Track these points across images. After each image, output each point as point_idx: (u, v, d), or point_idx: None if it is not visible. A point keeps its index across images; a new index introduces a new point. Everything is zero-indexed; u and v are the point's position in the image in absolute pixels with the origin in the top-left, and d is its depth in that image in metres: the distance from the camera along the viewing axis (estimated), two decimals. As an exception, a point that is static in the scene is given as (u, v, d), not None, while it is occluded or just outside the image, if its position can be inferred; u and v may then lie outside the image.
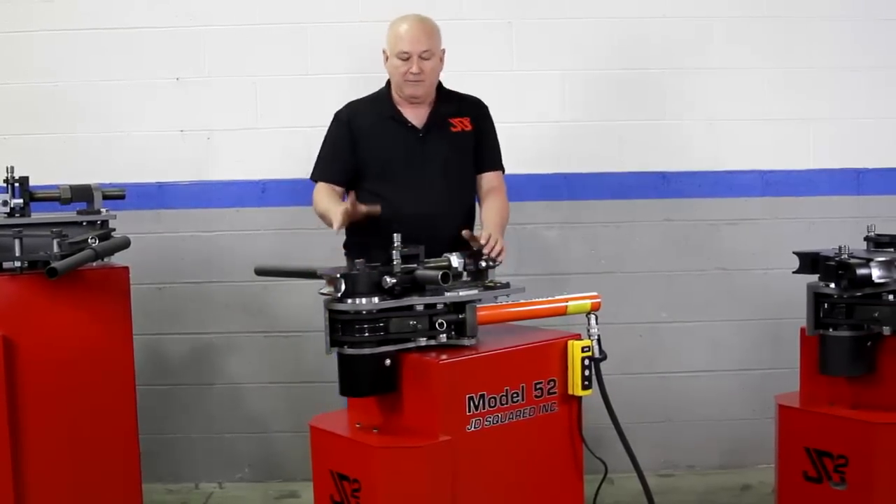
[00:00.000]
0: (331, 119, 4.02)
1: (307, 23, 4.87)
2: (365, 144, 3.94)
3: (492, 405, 3.19)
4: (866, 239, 3.73)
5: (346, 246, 4.03)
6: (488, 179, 4.04)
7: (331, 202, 3.85)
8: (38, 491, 3.71)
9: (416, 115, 3.95)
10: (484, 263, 3.45)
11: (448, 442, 3.09)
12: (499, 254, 3.59)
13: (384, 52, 3.92)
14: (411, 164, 3.91)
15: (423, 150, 3.92)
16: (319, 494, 3.33)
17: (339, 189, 3.98)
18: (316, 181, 3.99)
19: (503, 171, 4.10)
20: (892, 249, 3.65)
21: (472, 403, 3.15)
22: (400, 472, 3.08)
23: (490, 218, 3.91)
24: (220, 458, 5.03)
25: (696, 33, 4.96)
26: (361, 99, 4.05)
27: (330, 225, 3.73)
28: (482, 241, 3.57)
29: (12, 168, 3.84)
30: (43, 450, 3.72)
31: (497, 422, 3.21)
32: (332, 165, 3.98)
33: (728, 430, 5.06)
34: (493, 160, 4.07)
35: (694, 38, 4.96)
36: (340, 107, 4.03)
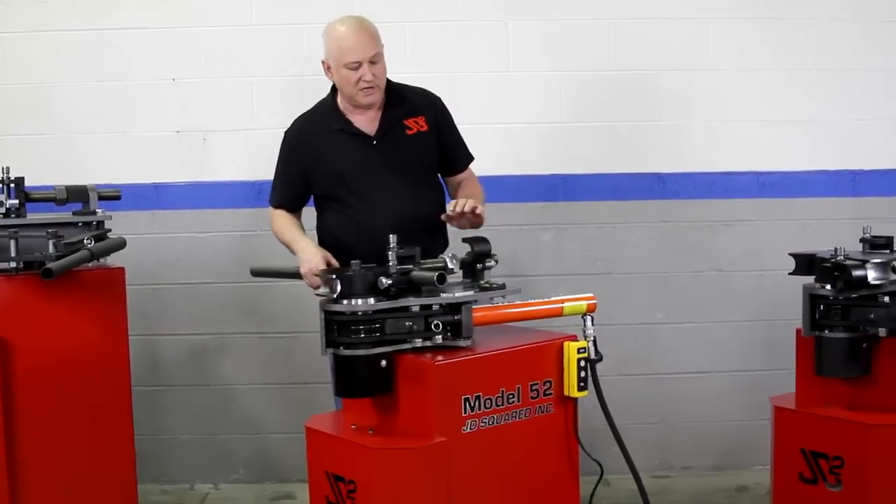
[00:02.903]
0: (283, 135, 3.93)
1: (303, 24, 4.85)
2: (317, 162, 3.82)
3: (487, 406, 3.19)
4: (862, 240, 3.73)
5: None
6: (461, 175, 3.97)
7: (295, 233, 3.82)
8: (33, 491, 3.71)
9: (366, 122, 3.81)
10: (480, 266, 3.45)
11: (443, 443, 3.09)
12: (473, 211, 3.56)
13: (325, 62, 3.75)
14: (368, 174, 3.78)
15: (377, 158, 3.79)
16: (315, 495, 3.33)
17: (296, 213, 3.95)
18: (274, 207, 3.95)
19: (472, 159, 4.00)
20: (887, 251, 3.65)
21: (467, 404, 3.15)
22: (395, 473, 3.08)
23: (470, 190, 3.85)
24: (216, 458, 5.04)
25: (692, 34, 4.97)
26: (306, 113, 3.93)
27: (294, 253, 3.71)
28: (449, 209, 3.55)
29: (8, 169, 3.84)
30: (38, 450, 3.72)
31: (493, 423, 3.21)
32: (286, 190, 3.92)
33: (724, 431, 5.07)
34: (461, 158, 3.97)
35: (690, 39, 4.97)
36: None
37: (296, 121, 3.92)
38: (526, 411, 3.28)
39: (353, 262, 3.23)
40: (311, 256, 3.65)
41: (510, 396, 3.24)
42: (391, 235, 3.27)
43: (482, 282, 3.43)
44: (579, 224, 5.00)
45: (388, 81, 3.82)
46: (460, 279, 3.45)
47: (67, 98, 4.88)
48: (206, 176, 4.94)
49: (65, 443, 3.75)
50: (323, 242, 3.85)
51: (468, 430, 3.15)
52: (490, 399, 3.20)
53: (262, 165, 4.84)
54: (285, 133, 3.91)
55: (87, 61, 4.87)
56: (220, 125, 4.92)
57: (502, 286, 3.41)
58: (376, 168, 3.78)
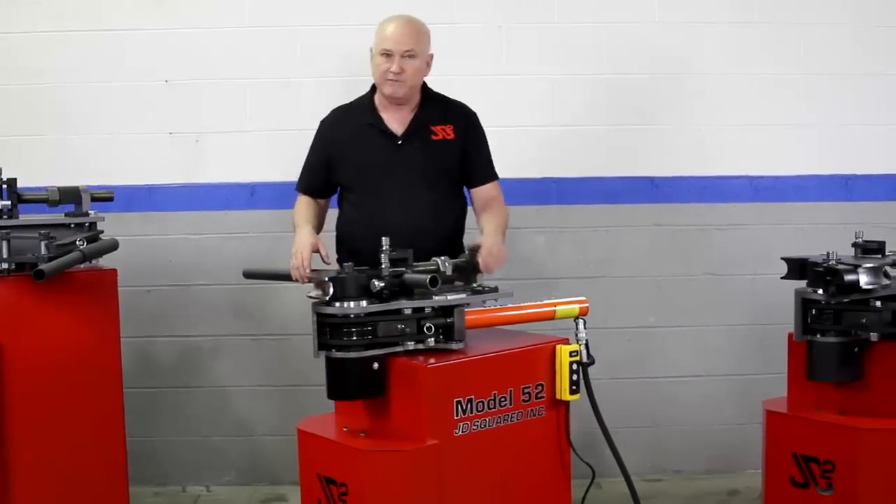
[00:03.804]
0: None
1: (298, 26, 4.86)
2: (343, 153, 3.89)
3: (479, 409, 3.20)
4: (854, 245, 3.74)
5: (337, 252, 4.01)
6: (483, 192, 3.96)
7: (301, 219, 3.83)
8: (25, 493, 3.71)
9: (397, 121, 3.87)
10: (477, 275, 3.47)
11: (435, 446, 3.10)
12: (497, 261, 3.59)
13: (371, 49, 3.87)
14: (389, 173, 3.83)
15: (400, 158, 3.84)
16: (307, 498, 3.33)
17: (321, 200, 3.97)
18: (299, 192, 3.99)
19: (497, 179, 4.03)
20: (879, 256, 3.66)
21: (459, 407, 3.16)
22: (387, 475, 3.09)
23: (487, 224, 3.83)
24: (208, 461, 5.02)
25: (686, 38, 4.97)
26: (346, 104, 4.01)
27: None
28: (482, 251, 3.56)
29: (0, 170, 3.84)
30: (30, 452, 3.72)
31: (485, 426, 3.22)
32: (310, 178, 3.97)
33: (715, 435, 5.07)
34: (485, 173, 3.98)
35: (684, 43, 4.97)
36: (328, 111, 4.01)
37: (333, 110, 4.00)
38: (518, 414, 3.30)
39: (346, 264, 3.25)
40: (301, 240, 3.64)
41: (502, 399, 3.25)
42: (384, 238, 3.28)
43: (475, 285, 3.44)
44: (573, 227, 5.01)
45: (428, 89, 3.92)
46: (453, 282, 3.45)
47: (60, 98, 4.87)
48: (200, 178, 4.93)
49: (56, 444, 3.75)
50: (338, 235, 3.93)
51: (460, 433, 3.16)
52: (482, 402, 3.21)
53: (255, 167, 4.92)
54: (321, 122, 3.99)
55: (79, 62, 4.85)
56: (213, 127, 4.91)
57: (495, 289, 3.43)
58: (397, 168, 3.83)
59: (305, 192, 3.97)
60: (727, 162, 5.02)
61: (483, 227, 3.84)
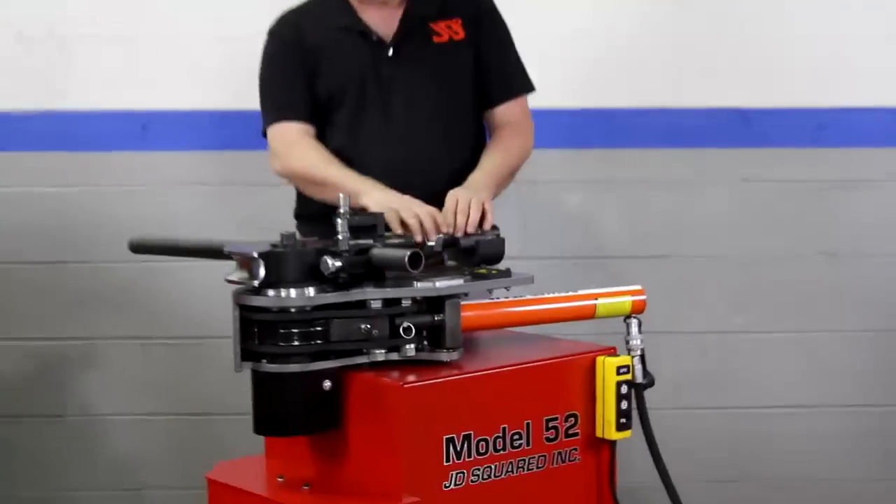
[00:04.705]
0: (266, 37, 3.99)
1: None
2: (318, 65, 3.93)
3: (482, 452, 3.19)
4: None
5: (299, 217, 4.04)
6: (505, 113, 4.02)
7: (355, 176, 3.74)
8: None
9: (381, 21, 3.93)
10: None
11: (416, 505, 3.08)
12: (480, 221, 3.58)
13: None
14: (377, 95, 3.90)
15: (391, 73, 3.91)
16: (220, 583, 3.32)
17: (311, 130, 3.94)
18: (274, 122, 3.92)
19: (529, 92, 4.07)
20: None
21: (452, 448, 3.15)
22: (343, 551, 3.08)
23: (484, 159, 3.88)
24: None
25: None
26: (302, 5, 4.03)
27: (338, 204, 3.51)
28: (447, 201, 3.57)
29: None
30: None
31: (489, 476, 3.21)
32: (294, 96, 3.94)
33: (835, 493, 5.11)
34: (507, 83, 4.04)
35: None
36: (272, 15, 4.00)
37: (285, 14, 4.01)
38: (539, 460, 3.29)
39: (285, 233, 3.20)
40: (417, 205, 3.58)
41: (515, 437, 3.24)
42: (340, 195, 3.24)
43: (477, 267, 3.44)
44: (622, 182, 5.05)
45: None
46: (445, 261, 3.47)
47: None
48: (66, 103, 4.97)
49: None
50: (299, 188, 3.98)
51: (453, 486, 3.15)
52: (486, 441, 3.20)
53: (151, 89, 4.93)
54: (271, 32, 3.99)
55: None
56: (85, 27, 4.93)
57: (506, 273, 3.41)
58: (389, 87, 3.90)
59: (295, 118, 3.92)
60: (856, 88, 5.05)
61: (479, 164, 3.90)
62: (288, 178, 3.93)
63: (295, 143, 3.90)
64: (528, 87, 4.08)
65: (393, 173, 3.71)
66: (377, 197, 3.61)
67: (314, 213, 3.89)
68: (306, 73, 3.93)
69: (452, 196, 3.60)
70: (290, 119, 3.92)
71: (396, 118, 3.89)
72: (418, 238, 3.48)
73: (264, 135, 3.96)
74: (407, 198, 3.60)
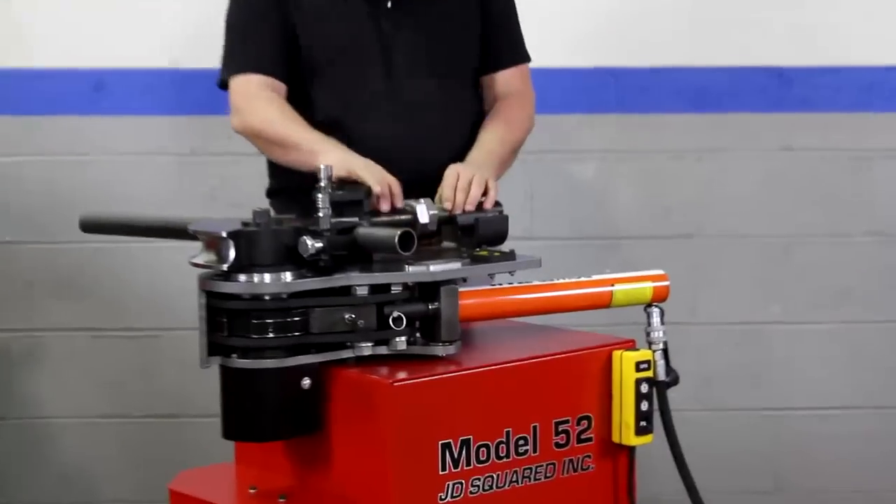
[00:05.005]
0: None
1: None
2: (299, 24, 3.91)
3: (483, 459, 3.20)
4: None
5: (272, 194, 4.04)
6: (504, 81, 4.05)
7: (318, 136, 3.73)
8: None
9: None
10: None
11: (408, 521, 3.09)
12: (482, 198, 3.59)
13: None
14: (373, 57, 3.90)
15: (392, 33, 3.91)
16: None
17: (282, 88, 3.91)
18: (237, 73, 3.89)
19: (527, 62, 4.10)
20: None
21: (448, 455, 3.16)
22: (325, 572, 3.10)
23: (484, 134, 3.90)
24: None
25: None
26: None
27: (303, 165, 3.62)
28: (445, 178, 3.58)
29: None
30: None
31: (491, 487, 3.22)
32: (264, 47, 3.90)
33: (881, 505, 5.15)
34: (508, 50, 4.08)
35: None
36: None
37: None
38: (548, 468, 3.30)
39: (258, 209, 3.20)
40: (377, 170, 3.56)
41: (521, 443, 3.26)
42: (322, 166, 3.24)
43: (477, 248, 3.45)
44: (642, 151, 5.07)
45: None
46: (441, 243, 3.48)
47: None
48: (10, 59, 4.99)
49: None
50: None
51: (449, 497, 3.16)
52: (487, 447, 3.21)
53: (105, 45, 4.94)
54: None
55: None
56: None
57: (510, 255, 3.42)
58: (387, 48, 3.90)
59: (266, 73, 3.88)
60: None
61: (478, 140, 3.91)
62: (247, 136, 3.88)
63: (257, 97, 3.86)
64: (524, 55, 4.11)
65: (391, 148, 3.70)
66: (337, 156, 3.57)
67: (291, 186, 3.87)
68: (284, 22, 3.89)
69: (453, 170, 3.61)
70: (256, 71, 3.88)
71: (398, 84, 3.90)
72: (384, 206, 3.45)
73: (223, 86, 3.93)
74: (370, 161, 3.57)
